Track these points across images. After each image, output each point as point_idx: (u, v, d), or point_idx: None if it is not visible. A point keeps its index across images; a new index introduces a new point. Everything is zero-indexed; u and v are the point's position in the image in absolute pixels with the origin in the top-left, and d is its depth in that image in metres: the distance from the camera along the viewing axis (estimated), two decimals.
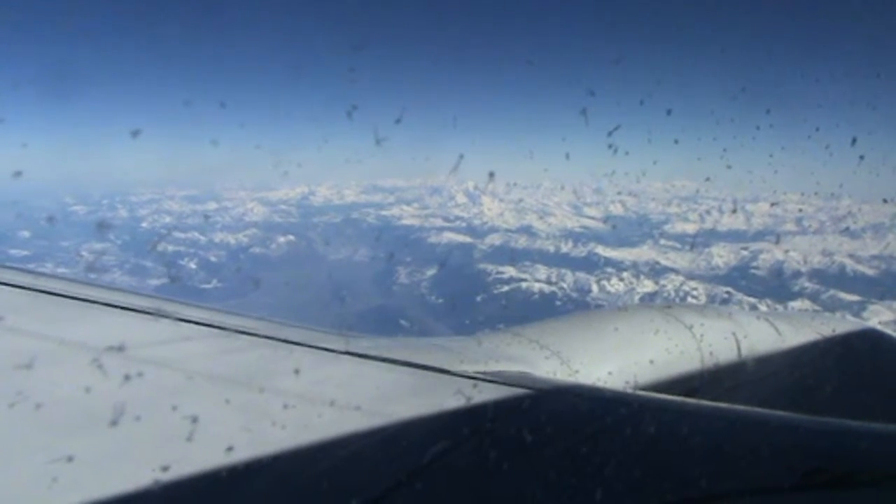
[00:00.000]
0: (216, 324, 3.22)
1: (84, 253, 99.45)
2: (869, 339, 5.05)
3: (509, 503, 1.73)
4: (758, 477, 1.80)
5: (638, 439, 2.07)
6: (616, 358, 3.56)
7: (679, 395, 3.36)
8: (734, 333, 4.11)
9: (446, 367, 2.74)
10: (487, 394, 2.44)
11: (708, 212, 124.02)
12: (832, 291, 77.54)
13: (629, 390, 3.36)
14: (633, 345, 3.69)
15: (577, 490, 1.75)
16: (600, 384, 3.29)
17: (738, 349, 4.05)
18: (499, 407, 2.34)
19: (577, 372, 3.35)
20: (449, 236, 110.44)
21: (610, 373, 3.45)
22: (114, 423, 2.02)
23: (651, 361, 3.61)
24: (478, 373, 2.74)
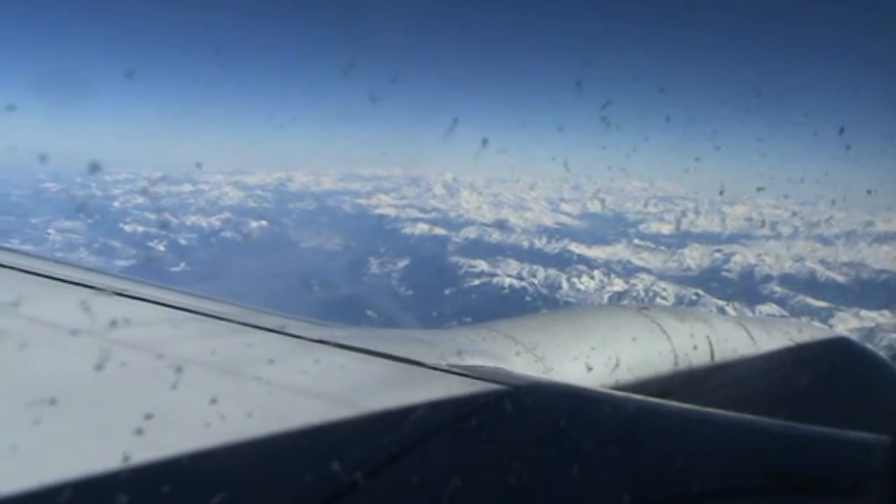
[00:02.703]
0: (190, 308, 3.12)
1: (52, 231, 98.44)
2: (842, 348, 4.99)
3: (481, 499, 1.76)
4: (724, 478, 1.85)
5: (609, 439, 2.09)
6: (590, 357, 3.56)
7: (651, 396, 3.24)
8: (708, 337, 4.11)
9: (421, 359, 2.68)
10: (462, 388, 2.43)
11: (684, 213, 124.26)
12: (801, 297, 77.88)
13: (603, 389, 3.28)
14: (607, 345, 3.69)
15: (549, 488, 1.79)
16: (574, 382, 3.25)
17: (712, 353, 4.06)
18: (473, 402, 2.31)
19: (551, 370, 3.36)
20: (424, 227, 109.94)
21: (584, 372, 3.46)
22: (87, 405, 2.00)
23: (625, 362, 3.63)
24: (452, 367, 2.70)
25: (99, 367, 2.20)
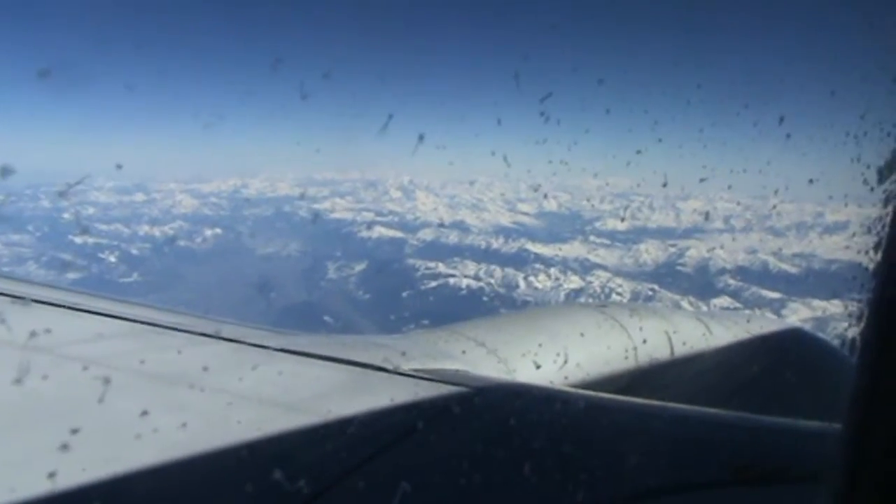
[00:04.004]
0: (144, 319, 3.13)
1: None
2: (796, 339, 5.15)
3: (447, 501, 1.78)
4: (689, 473, 1.87)
5: (573, 437, 2.11)
6: (552, 356, 3.58)
7: (613, 392, 3.33)
8: (667, 332, 4.18)
9: (385, 365, 2.71)
10: (425, 392, 2.45)
11: (639, 209, 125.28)
12: (754, 288, 78.83)
13: (564, 388, 3.32)
14: (569, 343, 3.71)
15: (514, 487, 1.82)
16: (537, 382, 3.28)
17: (671, 348, 4.13)
18: (436, 405, 2.35)
19: (514, 370, 3.39)
20: (381, 231, 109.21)
21: (546, 371, 3.47)
22: (40, 424, 2.02)
23: (586, 359, 3.66)
24: (415, 371, 2.72)
25: (60, 384, 2.18)
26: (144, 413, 2.04)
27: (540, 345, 3.63)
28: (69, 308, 3.19)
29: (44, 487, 1.64)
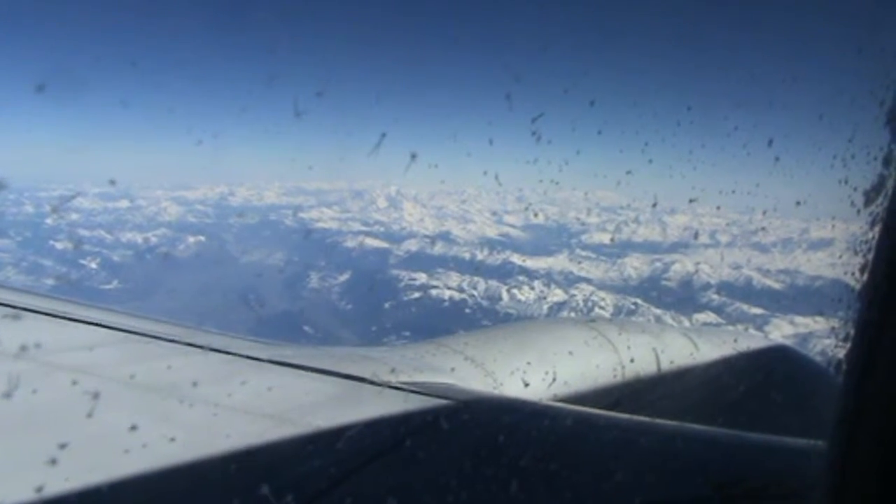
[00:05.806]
0: (127, 328, 3.09)
1: None
2: (782, 357, 5.15)
3: None
4: (675, 489, 1.91)
5: (558, 452, 2.13)
6: (539, 371, 3.56)
7: (600, 408, 3.28)
8: (654, 348, 4.19)
9: (372, 377, 2.71)
10: (412, 405, 2.47)
11: (625, 222, 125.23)
12: (738, 304, 78.68)
13: (552, 403, 3.30)
14: (556, 358, 3.69)
15: (500, 502, 1.84)
16: (524, 397, 3.25)
17: (658, 364, 4.14)
18: (425, 419, 2.35)
19: (501, 384, 3.37)
20: (366, 241, 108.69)
21: (533, 386, 3.45)
22: (26, 433, 2.02)
23: (574, 375, 3.64)
24: (402, 383, 2.72)
25: (45, 393, 2.15)
26: (134, 427, 2.01)
27: (529, 363, 3.59)
28: (53, 316, 3.15)
29: (33, 500, 1.64)
